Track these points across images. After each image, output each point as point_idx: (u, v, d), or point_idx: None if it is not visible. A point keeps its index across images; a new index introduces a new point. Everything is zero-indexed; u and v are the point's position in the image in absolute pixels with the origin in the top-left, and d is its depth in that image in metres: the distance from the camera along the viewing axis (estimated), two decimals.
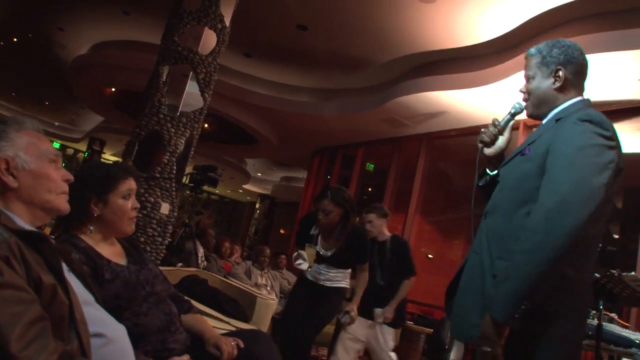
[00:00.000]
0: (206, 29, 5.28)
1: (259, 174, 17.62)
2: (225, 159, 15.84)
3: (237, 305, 2.89)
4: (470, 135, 8.41)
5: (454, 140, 8.91)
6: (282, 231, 18.94)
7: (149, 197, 4.69)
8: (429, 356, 6.19)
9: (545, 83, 1.85)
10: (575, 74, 1.86)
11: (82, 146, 19.38)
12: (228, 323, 2.44)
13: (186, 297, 2.19)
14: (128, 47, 9.89)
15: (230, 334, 2.04)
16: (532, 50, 1.92)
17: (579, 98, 1.86)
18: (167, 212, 4.80)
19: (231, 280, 4.43)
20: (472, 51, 6.93)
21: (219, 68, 5.43)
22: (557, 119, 1.78)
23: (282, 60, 9.00)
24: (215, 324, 2.28)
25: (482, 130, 2.00)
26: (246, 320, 2.72)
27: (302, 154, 12.64)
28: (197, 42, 5.26)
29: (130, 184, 1.88)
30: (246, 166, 16.83)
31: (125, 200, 1.86)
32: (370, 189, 13.50)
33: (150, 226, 4.69)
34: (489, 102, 7.19)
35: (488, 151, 2.01)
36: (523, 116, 6.81)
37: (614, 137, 1.67)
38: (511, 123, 1.99)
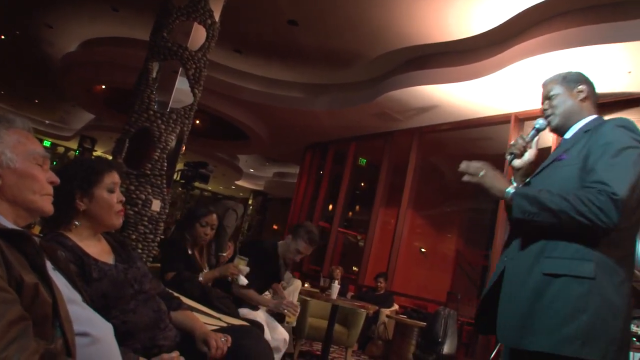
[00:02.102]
0: (195, 24, 5.24)
1: (252, 170, 17.61)
2: (218, 156, 15.81)
3: (228, 301, 2.88)
4: (462, 129, 8.43)
5: (446, 134, 8.92)
6: (275, 227, 18.94)
7: (140, 194, 4.66)
8: (423, 349, 6.19)
9: (570, 97, 2.08)
10: (590, 93, 2.10)
11: (73, 144, 19.29)
12: (219, 319, 2.43)
13: (176, 294, 2.18)
14: (117, 43, 9.83)
15: (220, 330, 2.03)
16: (549, 78, 2.18)
17: (596, 115, 2.07)
18: (158, 209, 4.77)
19: None
20: (463, 45, 6.92)
21: (209, 64, 5.40)
22: (586, 131, 1.97)
23: (272, 55, 8.97)
24: (206, 320, 2.27)
25: (512, 143, 2.17)
26: (237, 316, 2.71)
27: (294, 149, 12.63)
28: (186, 38, 5.22)
29: (114, 177, 1.87)
30: (238, 162, 16.81)
31: (111, 193, 1.84)
32: (363, 184, 13.51)
33: (141, 223, 4.66)
34: (481, 95, 7.19)
35: (517, 163, 2.17)
36: (515, 109, 6.75)
37: None
38: (536, 138, 2.16)
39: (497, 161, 7.21)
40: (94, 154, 17.81)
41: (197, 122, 13.14)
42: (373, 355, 7.02)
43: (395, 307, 7.76)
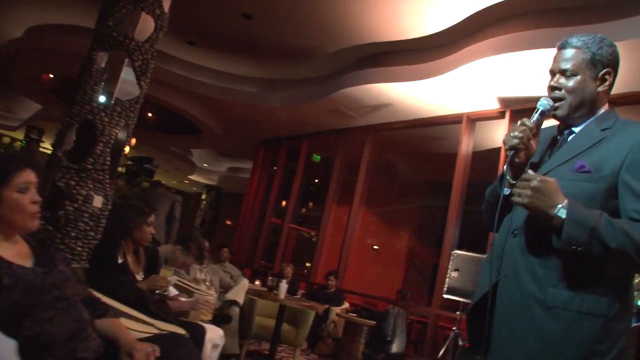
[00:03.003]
0: (143, 14, 5.05)
1: (205, 165, 17.33)
2: (171, 149, 15.52)
3: (165, 306, 2.74)
4: (415, 127, 8.47)
5: (400, 133, 8.94)
6: (228, 222, 18.72)
7: (81, 190, 4.47)
8: (372, 348, 6.19)
9: (592, 84, 1.66)
10: (613, 81, 1.70)
11: (20, 134, 18.60)
12: (153, 325, 2.31)
13: (105, 299, 2.06)
14: (65, 31, 9.47)
15: (150, 338, 1.93)
16: (576, 41, 1.69)
17: (607, 105, 1.72)
18: (100, 205, 4.59)
19: None
20: (417, 44, 6.92)
21: (162, 56, 5.23)
22: (603, 129, 1.64)
23: (227, 49, 8.81)
24: (138, 327, 2.16)
25: (512, 134, 1.65)
26: (175, 322, 2.58)
27: (248, 145, 12.49)
28: (133, 28, 5.03)
29: (28, 176, 1.72)
30: (192, 157, 16.52)
31: (22, 194, 1.69)
32: (317, 181, 13.48)
33: (81, 220, 4.47)
34: (434, 95, 7.23)
35: (521, 159, 1.70)
36: (467, 109, 6.75)
37: None
38: (542, 125, 1.70)
39: (450, 160, 7.21)
40: (42, 145, 17.23)
41: (150, 114, 12.87)
42: (323, 353, 6.98)
43: (346, 305, 7.73)
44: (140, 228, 3.14)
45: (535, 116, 1.67)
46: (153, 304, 2.61)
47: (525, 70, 5.96)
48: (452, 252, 6.08)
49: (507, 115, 6.89)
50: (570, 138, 1.72)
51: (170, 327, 2.38)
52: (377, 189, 10.04)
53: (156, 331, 2.21)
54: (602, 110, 1.70)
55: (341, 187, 9.66)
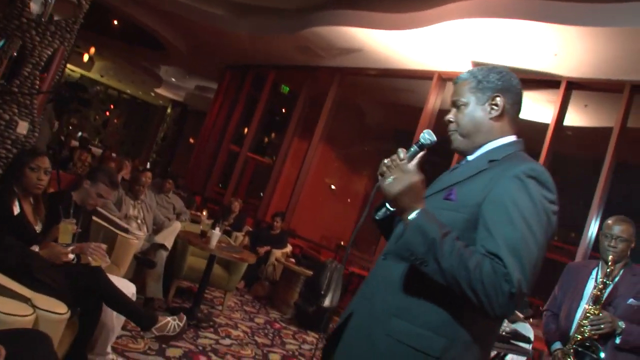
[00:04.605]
0: None
1: (173, 79, 16.75)
2: (137, 61, 14.88)
3: (55, 273, 2.48)
4: (384, 77, 8.20)
5: (368, 79, 8.64)
6: (191, 140, 18.34)
7: (4, 114, 4.11)
8: (305, 299, 6.12)
9: (480, 111, 1.61)
10: (512, 104, 1.63)
11: None
12: (30, 301, 2.06)
13: None
14: None
15: (3, 334, 1.69)
16: (464, 75, 1.67)
17: (513, 137, 1.63)
18: (25, 132, 4.25)
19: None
20: None
21: None
22: (491, 160, 1.55)
23: None
24: (8, 308, 1.90)
25: (382, 163, 1.57)
26: (62, 291, 2.32)
27: (214, 67, 12.02)
28: None
29: None
30: (159, 71, 15.90)
31: None
32: (284, 111, 13.15)
33: (3, 147, 4.15)
34: (407, 47, 6.94)
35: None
36: (440, 67, 6.49)
37: (556, 200, 1.46)
38: (419, 156, 1.59)
39: (416, 114, 6.97)
40: None
41: (115, 22, 12.21)
42: (258, 295, 6.91)
43: (289, 248, 7.60)
44: (24, 173, 2.83)
45: (413, 148, 1.58)
46: (39, 271, 2.36)
47: (503, 39, 5.71)
48: None
49: None
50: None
51: (50, 303, 2.13)
52: (341, 129, 9.81)
53: (30, 311, 1.98)
54: (498, 143, 1.61)
55: (304, 123, 9.41)
